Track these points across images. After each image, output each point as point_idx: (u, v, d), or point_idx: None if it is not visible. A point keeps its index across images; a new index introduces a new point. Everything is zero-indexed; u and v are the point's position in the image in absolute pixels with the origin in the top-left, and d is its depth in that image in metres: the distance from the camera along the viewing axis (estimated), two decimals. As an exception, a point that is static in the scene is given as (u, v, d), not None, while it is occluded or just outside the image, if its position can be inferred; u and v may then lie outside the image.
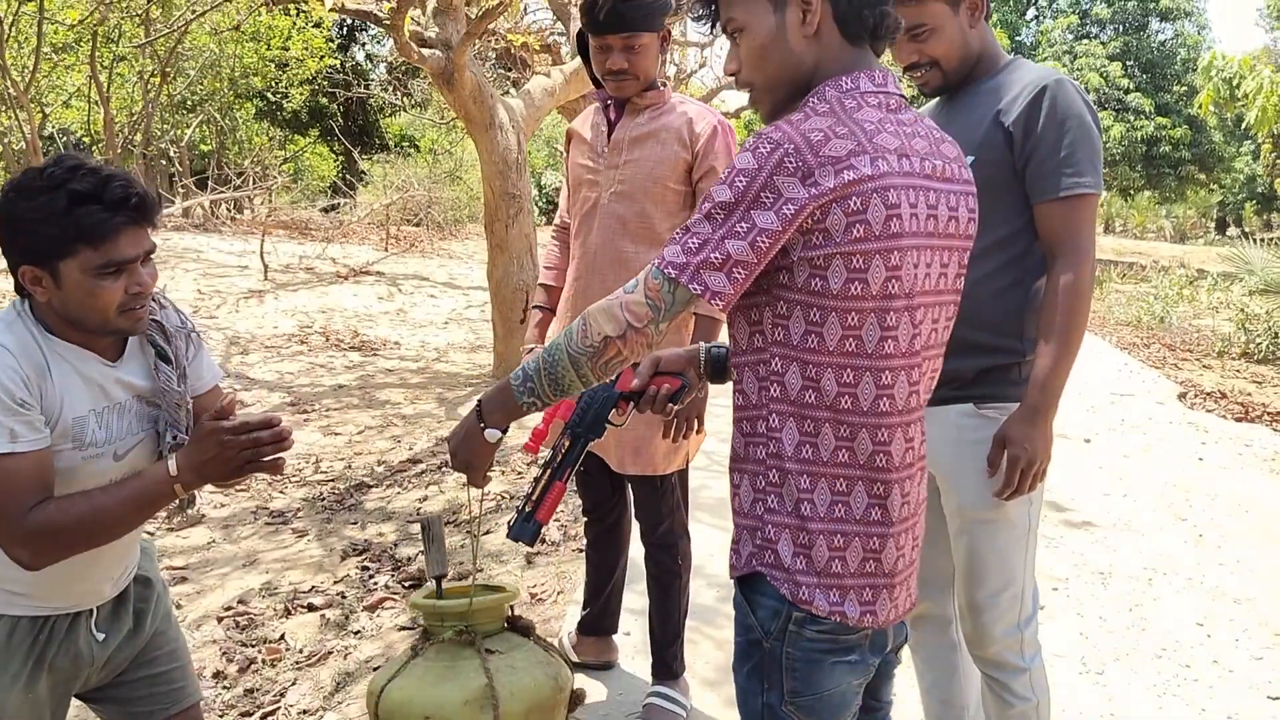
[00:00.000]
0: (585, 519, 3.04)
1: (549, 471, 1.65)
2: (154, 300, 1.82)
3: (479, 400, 1.57)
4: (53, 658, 1.80)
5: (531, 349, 2.78)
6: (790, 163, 1.32)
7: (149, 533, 2.13)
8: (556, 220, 2.90)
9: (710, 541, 4.10)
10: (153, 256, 1.73)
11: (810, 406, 1.41)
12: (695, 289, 1.35)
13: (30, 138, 13.96)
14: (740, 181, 1.34)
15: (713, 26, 1.55)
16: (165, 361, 1.83)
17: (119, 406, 1.78)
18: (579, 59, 2.72)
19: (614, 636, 3.14)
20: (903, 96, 1.47)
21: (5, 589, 1.75)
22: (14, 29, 13.67)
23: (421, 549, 4.36)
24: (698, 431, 2.60)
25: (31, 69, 13.63)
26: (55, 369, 1.69)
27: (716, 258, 1.34)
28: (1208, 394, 7.65)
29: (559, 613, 3.64)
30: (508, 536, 1.63)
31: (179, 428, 1.82)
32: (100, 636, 1.86)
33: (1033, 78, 2.00)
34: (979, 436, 2.01)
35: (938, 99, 2.19)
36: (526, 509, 1.63)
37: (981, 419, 2.03)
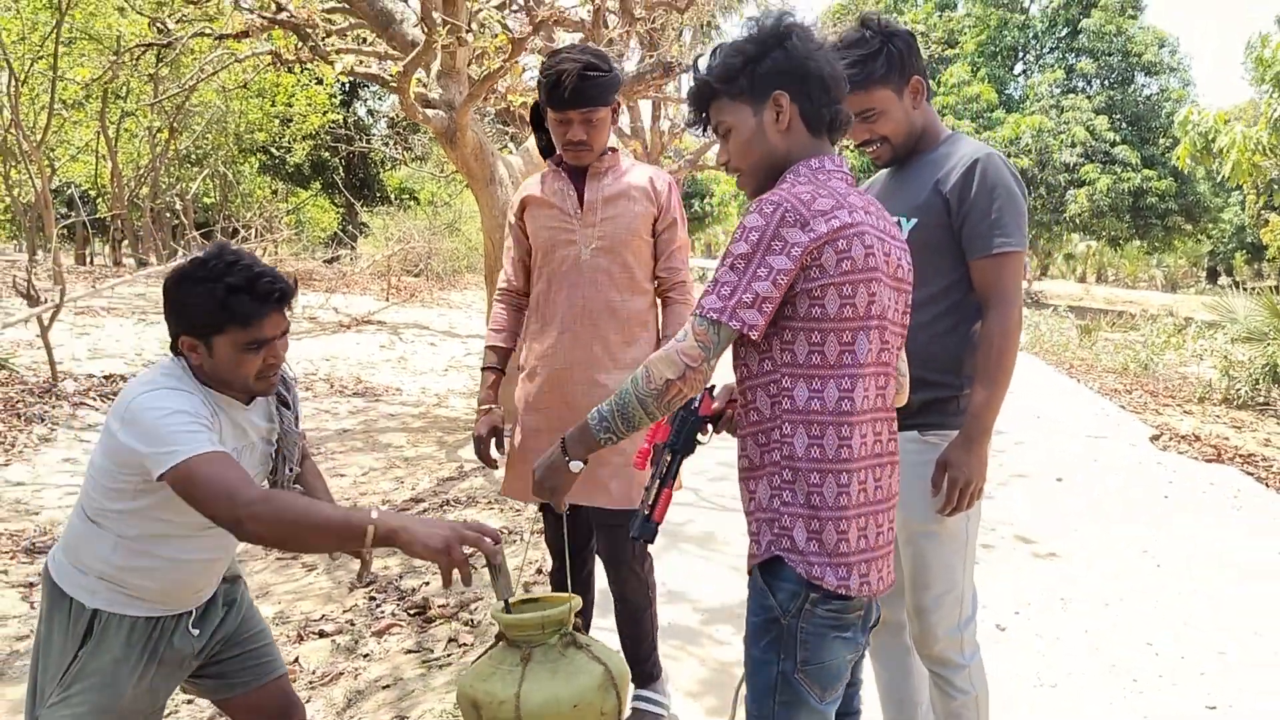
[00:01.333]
0: (558, 564, 3.06)
1: (658, 482, 1.97)
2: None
3: (563, 439, 1.90)
4: (163, 651, 2.15)
5: (489, 409, 2.89)
6: (790, 216, 1.71)
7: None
8: (502, 284, 3.01)
9: (694, 571, 4.36)
10: (288, 332, 2.10)
11: (816, 414, 1.77)
12: (735, 325, 1.71)
13: (41, 191, 14.36)
14: (753, 236, 1.72)
15: (704, 130, 1.96)
16: (285, 406, 2.21)
17: (250, 445, 2.15)
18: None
19: None
20: (853, 176, 1.89)
21: (129, 594, 2.09)
22: (26, 85, 14.09)
23: (427, 580, 4.62)
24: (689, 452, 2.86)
25: (44, 125, 14.07)
26: (221, 416, 2.06)
27: (748, 298, 1.71)
28: (1181, 437, 7.93)
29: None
30: (631, 536, 1.94)
31: (293, 461, 2.21)
32: (195, 633, 2.21)
33: (967, 151, 2.32)
34: (923, 459, 2.30)
35: (888, 169, 2.51)
36: (645, 513, 1.96)
37: (925, 444, 2.32)
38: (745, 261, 1.71)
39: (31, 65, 14.19)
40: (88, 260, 21.84)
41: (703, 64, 1.92)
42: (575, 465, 1.90)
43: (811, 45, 1.86)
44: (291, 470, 2.24)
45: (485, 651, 2.08)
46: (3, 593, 4.56)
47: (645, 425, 1.81)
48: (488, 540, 1.83)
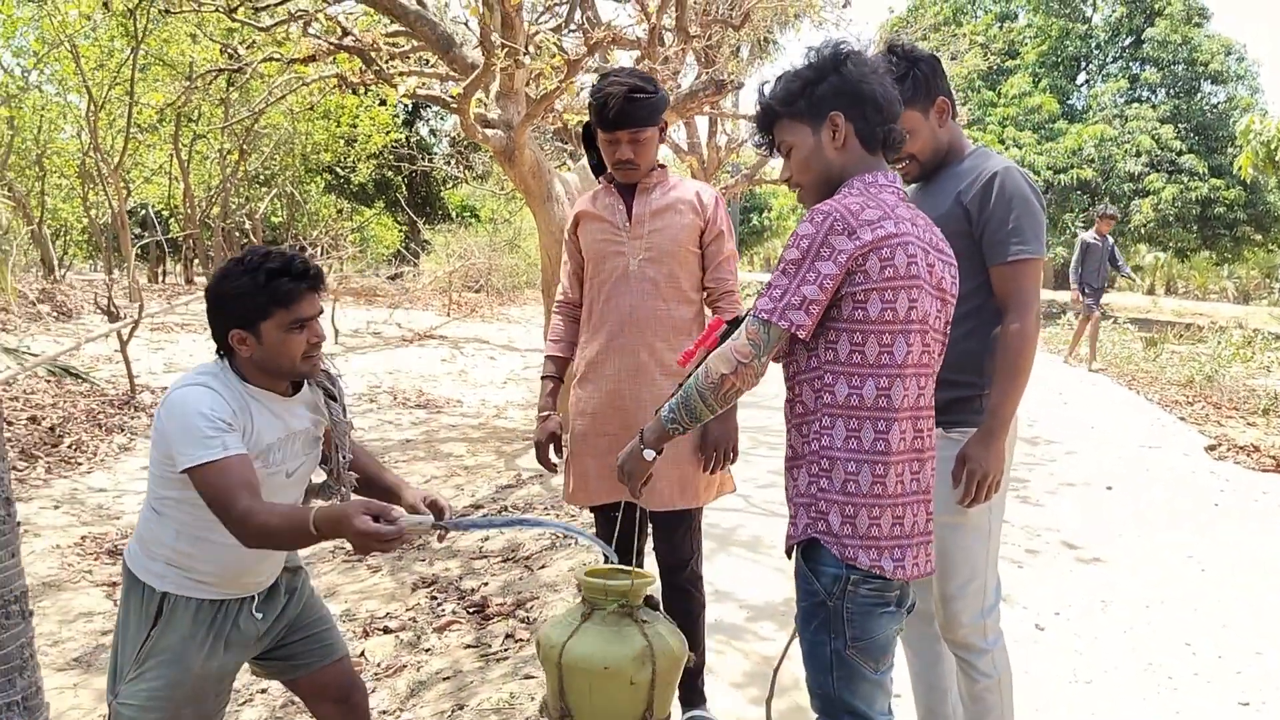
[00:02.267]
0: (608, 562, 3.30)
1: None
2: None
3: (642, 430, 2.12)
4: (228, 632, 2.34)
5: (548, 416, 3.05)
6: (838, 225, 1.88)
7: None
8: (560, 297, 3.16)
9: (742, 572, 4.50)
10: (321, 317, 2.30)
11: (854, 409, 1.93)
12: (784, 325, 1.88)
13: (118, 212, 14.92)
14: (803, 243, 1.90)
15: (771, 149, 2.15)
16: (331, 398, 2.40)
17: (293, 435, 2.33)
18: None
19: None
20: (904, 190, 2.07)
21: (194, 579, 2.29)
22: (104, 110, 14.67)
23: (486, 581, 4.80)
24: (732, 462, 3.00)
25: (121, 148, 14.64)
26: (253, 407, 2.24)
27: (796, 300, 1.88)
28: (1240, 448, 7.86)
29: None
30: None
31: (345, 450, 2.41)
32: (259, 616, 2.40)
33: (988, 165, 2.46)
34: (946, 454, 2.42)
35: (915, 184, 2.66)
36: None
37: (948, 440, 2.44)
38: (795, 266, 1.89)
39: (109, 91, 14.79)
40: (161, 278, 22.58)
41: (766, 90, 2.10)
42: (649, 454, 2.11)
43: (865, 69, 2.03)
44: (345, 457, 2.42)
45: (576, 623, 2.29)
46: (88, 591, 4.85)
47: (707, 417, 2.00)
48: (388, 530, 1.95)
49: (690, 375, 2.00)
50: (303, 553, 5.32)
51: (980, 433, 2.38)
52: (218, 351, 2.30)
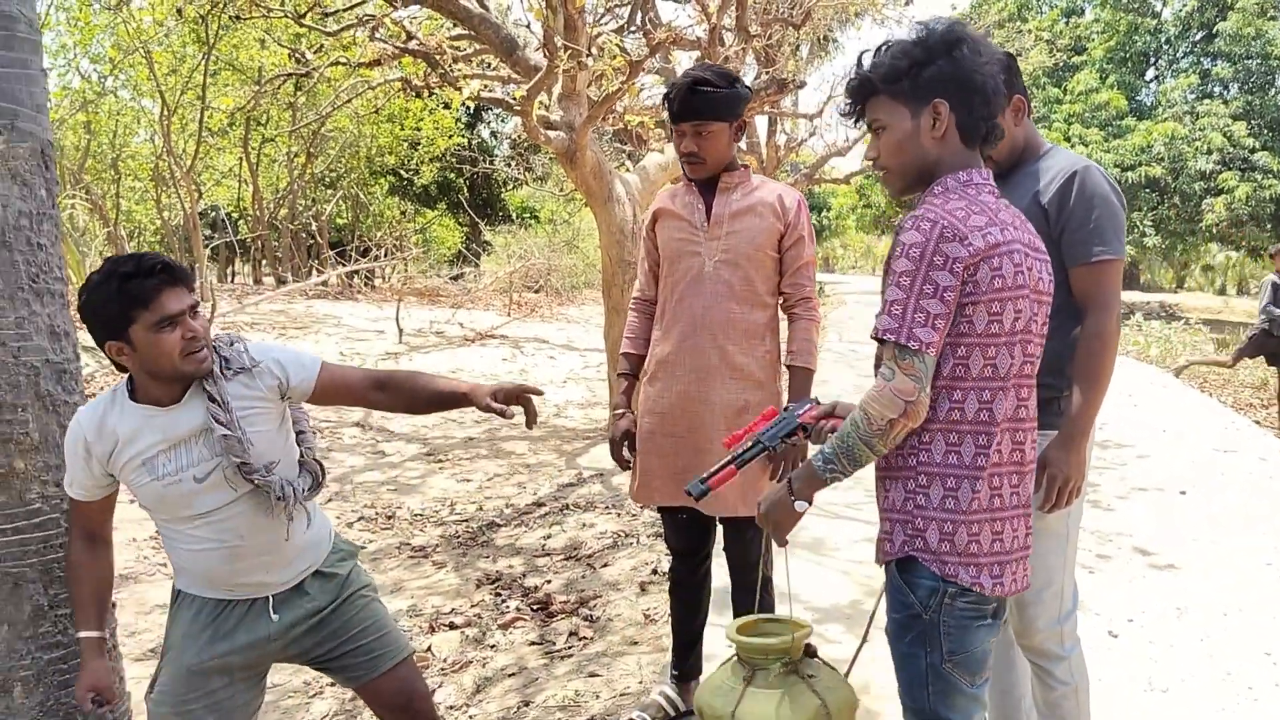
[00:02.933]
0: (676, 562, 3.19)
1: (733, 460, 2.20)
2: (218, 346, 2.29)
3: (789, 479, 1.98)
4: (230, 630, 2.31)
5: (621, 413, 3.06)
6: (948, 232, 1.79)
7: (356, 545, 2.65)
8: (636, 294, 3.16)
9: (806, 574, 4.47)
10: (199, 310, 2.22)
11: (955, 424, 1.86)
12: (913, 345, 1.78)
13: (190, 213, 15.27)
14: (914, 253, 1.80)
15: (855, 121, 2.03)
16: (212, 401, 2.23)
17: (184, 441, 2.22)
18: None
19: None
20: (996, 189, 1.96)
21: (194, 579, 2.32)
22: (176, 115, 15.02)
23: (548, 578, 4.83)
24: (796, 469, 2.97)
25: (193, 152, 14.98)
26: (129, 420, 2.20)
27: (920, 316, 1.78)
28: (1319, 452, 7.64)
29: (668, 630, 4.05)
30: (685, 489, 2.21)
31: (238, 455, 2.21)
32: (276, 617, 2.35)
33: (1065, 164, 2.41)
34: None
35: None
36: (705, 476, 2.20)
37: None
38: (910, 279, 1.78)
39: (181, 96, 15.13)
40: (230, 278, 23.06)
41: (867, 60, 1.96)
42: (801, 505, 1.98)
43: (980, 58, 1.88)
44: (239, 464, 2.22)
45: (724, 662, 2.20)
46: (162, 583, 4.96)
47: (870, 461, 1.87)
48: None
49: (847, 422, 1.86)
50: (368, 550, 5.41)
51: (1062, 437, 2.33)
52: (118, 368, 2.25)
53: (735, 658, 2.16)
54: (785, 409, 2.31)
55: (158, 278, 2.12)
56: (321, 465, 2.50)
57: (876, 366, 1.92)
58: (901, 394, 1.79)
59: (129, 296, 2.10)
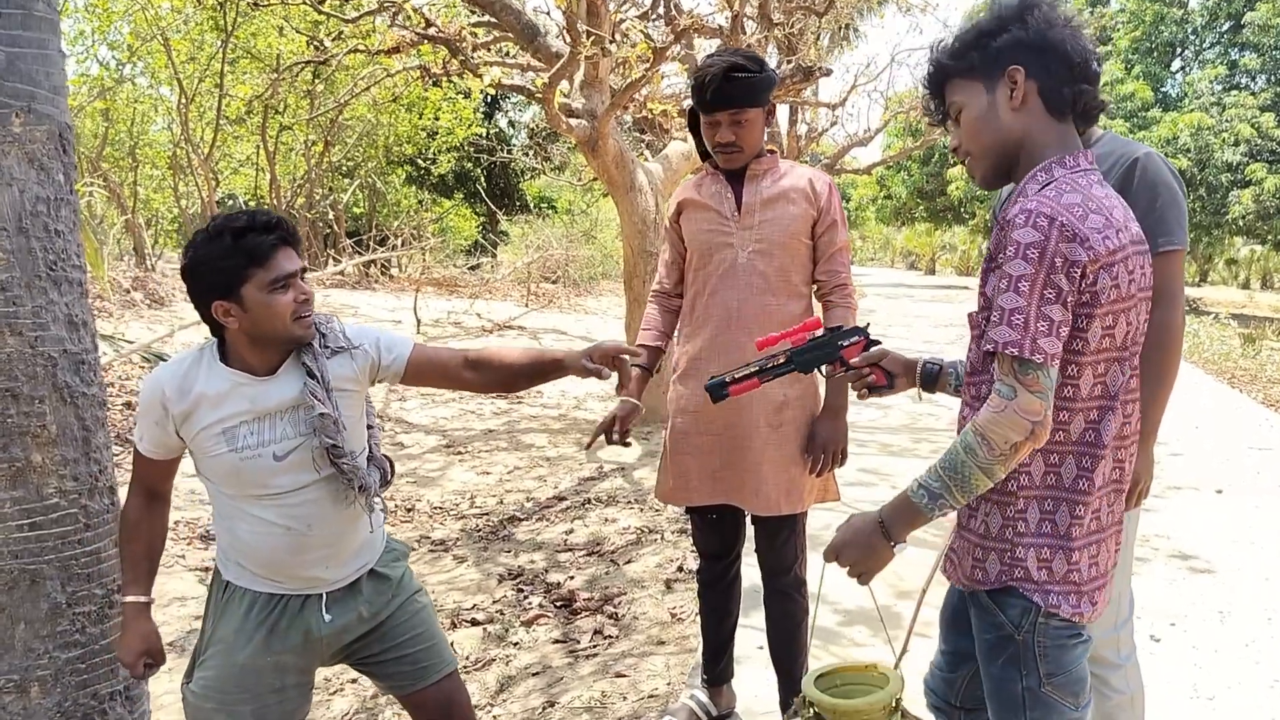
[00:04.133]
0: (706, 564, 3.10)
1: (758, 370, 2.09)
2: (317, 323, 2.17)
3: (879, 520, 1.75)
4: (285, 629, 2.19)
5: (624, 399, 2.85)
6: (1067, 231, 1.60)
7: (407, 545, 2.54)
8: (656, 287, 3.04)
9: (834, 574, 4.37)
10: (306, 275, 2.12)
11: (1057, 444, 1.69)
12: (1037, 358, 1.59)
13: (207, 201, 15.26)
14: (1033, 253, 1.59)
15: (943, 120, 1.86)
16: (311, 377, 2.13)
17: (270, 415, 2.12)
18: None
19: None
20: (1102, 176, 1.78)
21: (246, 568, 2.19)
22: (194, 102, 14.99)
23: (571, 574, 4.74)
24: (840, 464, 2.87)
25: (211, 140, 14.95)
26: (209, 387, 2.09)
27: (1043, 326, 1.59)
28: (1354, 450, 7.49)
29: (695, 631, 3.96)
30: (705, 385, 2.12)
31: (330, 435, 2.12)
32: (328, 618, 2.21)
33: (1125, 151, 2.29)
34: None
35: None
36: (727, 379, 2.09)
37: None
38: (1030, 284, 1.60)
39: (199, 84, 15.10)
40: (248, 268, 23.00)
41: (937, 48, 1.83)
42: (900, 548, 1.77)
43: (1055, 18, 1.72)
44: (329, 446, 2.12)
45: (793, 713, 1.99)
46: (181, 575, 4.91)
47: (986, 488, 1.68)
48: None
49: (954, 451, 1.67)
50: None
51: None
52: (211, 329, 2.14)
53: (810, 710, 1.92)
54: (830, 330, 2.18)
55: (274, 234, 2.04)
56: (390, 461, 2.41)
57: (970, 378, 1.80)
58: (1028, 414, 1.60)
59: (244, 253, 2.01)
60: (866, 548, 1.77)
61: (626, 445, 2.87)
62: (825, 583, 1.96)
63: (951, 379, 2.05)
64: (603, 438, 2.85)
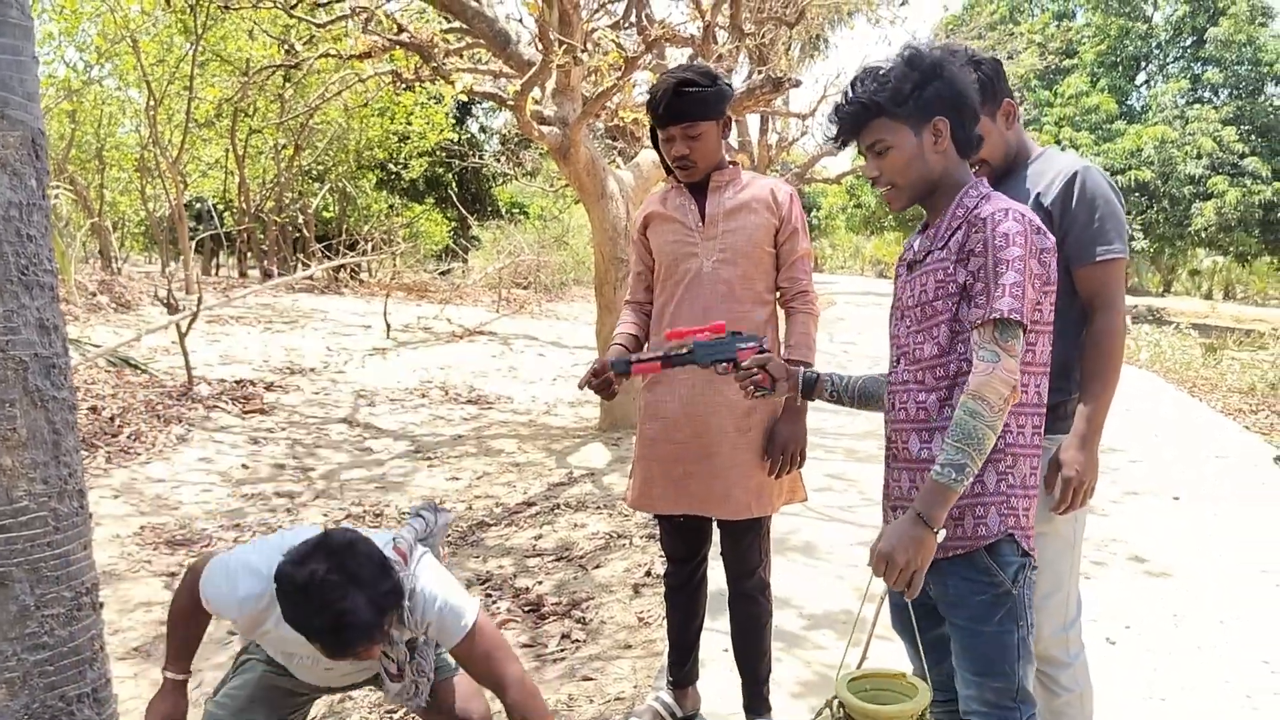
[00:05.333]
0: (673, 567, 3.14)
1: (662, 356, 2.28)
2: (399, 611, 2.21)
3: (918, 514, 1.85)
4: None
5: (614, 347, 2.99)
6: (1034, 224, 1.96)
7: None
8: (629, 297, 3.09)
9: (798, 578, 4.44)
10: (389, 643, 2.22)
11: (1029, 405, 2.01)
12: (1026, 322, 1.89)
13: (175, 205, 15.15)
14: (1020, 240, 1.92)
15: (843, 145, 2.17)
16: (389, 676, 2.32)
17: (335, 666, 2.35)
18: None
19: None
20: None
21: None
22: (162, 105, 14.89)
23: (540, 580, 4.77)
24: (800, 465, 2.93)
25: (179, 143, 14.85)
26: (278, 632, 2.23)
27: (1029, 299, 1.91)
28: (1309, 458, 7.65)
29: (662, 635, 4.01)
30: (609, 361, 2.33)
31: (412, 700, 2.38)
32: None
33: (1065, 165, 2.39)
34: None
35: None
36: (631, 360, 2.31)
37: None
38: (1023, 263, 1.90)
39: (168, 86, 15.00)
40: (215, 271, 22.88)
41: (861, 88, 2.06)
42: (941, 533, 1.88)
43: (965, 76, 2.07)
44: (422, 683, 2.39)
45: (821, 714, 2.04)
46: (147, 581, 4.89)
47: (992, 445, 1.87)
48: None
49: (957, 421, 1.86)
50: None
51: (1074, 437, 2.31)
52: None
53: (841, 711, 1.97)
54: (731, 334, 2.41)
55: (349, 647, 2.06)
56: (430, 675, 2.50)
57: (934, 359, 2.03)
58: (1011, 372, 1.86)
59: (315, 639, 2.08)
60: (914, 542, 1.86)
61: (611, 397, 2.86)
62: (813, 590, 1.99)
63: (827, 387, 2.39)
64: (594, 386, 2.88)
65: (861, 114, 2.06)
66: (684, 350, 2.26)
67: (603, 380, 2.72)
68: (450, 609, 2.28)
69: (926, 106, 2.01)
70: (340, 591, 1.99)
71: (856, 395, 2.37)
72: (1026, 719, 2.02)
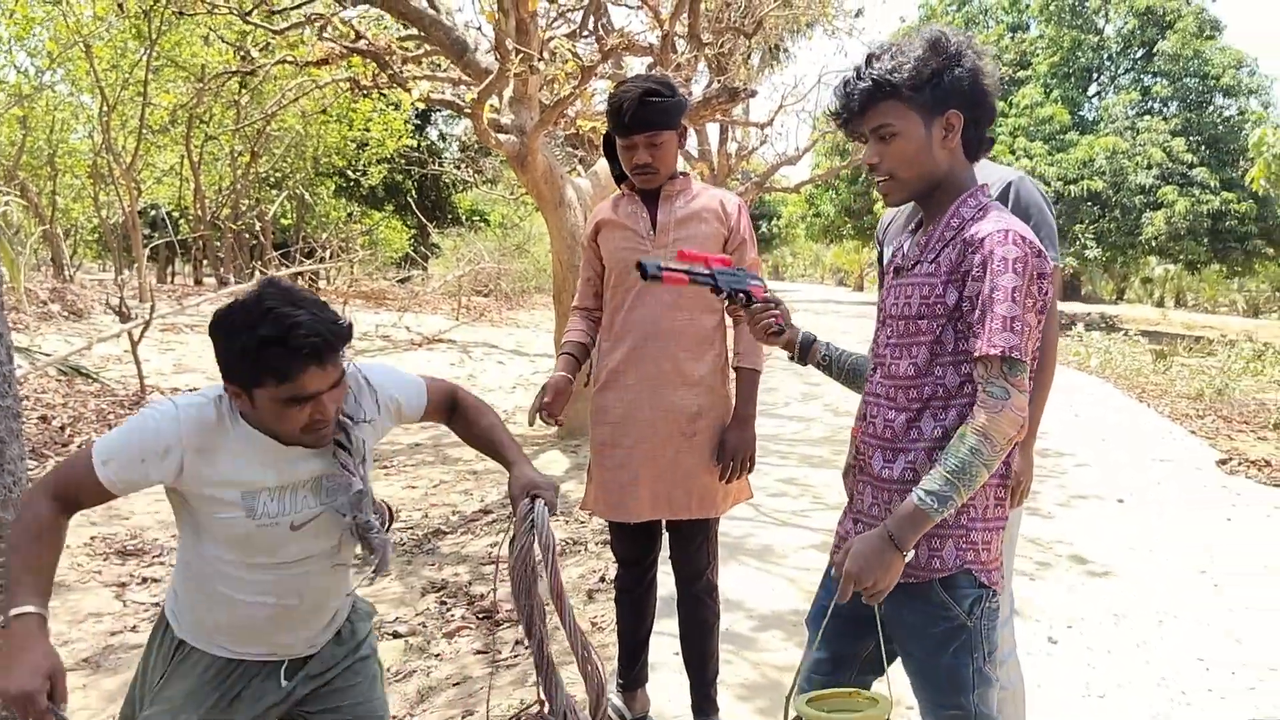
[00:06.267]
0: (624, 571, 3.16)
1: (689, 272, 2.14)
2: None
3: (889, 535, 1.79)
4: (239, 695, 2.06)
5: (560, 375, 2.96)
6: (1035, 248, 1.81)
7: (372, 606, 2.41)
8: (576, 304, 3.12)
9: (751, 581, 4.49)
10: (343, 381, 1.91)
11: None
12: (1028, 359, 1.79)
13: (129, 211, 14.98)
14: (1019, 267, 1.78)
15: (847, 125, 1.98)
16: (342, 447, 1.99)
17: (293, 486, 1.97)
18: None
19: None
20: None
21: (206, 630, 2.03)
22: (116, 111, 14.72)
23: (494, 587, 4.79)
24: (749, 471, 2.99)
25: (133, 149, 14.69)
26: (230, 446, 1.91)
27: (1029, 331, 1.79)
28: (1251, 462, 7.83)
29: (614, 639, 4.04)
30: (637, 264, 2.12)
31: (364, 511, 1.99)
32: (286, 684, 2.09)
33: (1000, 176, 2.45)
34: None
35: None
36: (661, 268, 2.11)
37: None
38: (1021, 294, 1.77)
39: (121, 92, 14.84)
40: (170, 279, 22.65)
41: (880, 63, 1.90)
42: (910, 555, 1.83)
43: (986, 66, 1.90)
44: (355, 519, 2.00)
45: None
46: (97, 591, 4.85)
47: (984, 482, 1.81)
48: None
49: (948, 453, 1.79)
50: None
51: None
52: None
53: None
54: (739, 269, 2.29)
55: (304, 359, 1.80)
56: (389, 508, 2.26)
57: (911, 380, 1.93)
58: (1021, 411, 1.77)
59: (264, 366, 1.80)
60: (882, 565, 1.80)
61: (559, 425, 2.93)
62: (764, 593, 1.93)
63: (821, 351, 2.27)
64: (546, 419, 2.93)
65: (874, 93, 1.90)
66: (706, 272, 2.15)
67: (550, 409, 2.85)
68: (404, 378, 2.21)
69: (944, 96, 1.87)
70: (288, 308, 1.81)
71: (846, 370, 2.28)
72: None
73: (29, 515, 1.86)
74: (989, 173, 2.48)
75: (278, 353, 1.78)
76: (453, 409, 2.28)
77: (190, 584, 2.02)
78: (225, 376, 1.86)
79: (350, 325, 1.92)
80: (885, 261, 2.26)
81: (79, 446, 7.15)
